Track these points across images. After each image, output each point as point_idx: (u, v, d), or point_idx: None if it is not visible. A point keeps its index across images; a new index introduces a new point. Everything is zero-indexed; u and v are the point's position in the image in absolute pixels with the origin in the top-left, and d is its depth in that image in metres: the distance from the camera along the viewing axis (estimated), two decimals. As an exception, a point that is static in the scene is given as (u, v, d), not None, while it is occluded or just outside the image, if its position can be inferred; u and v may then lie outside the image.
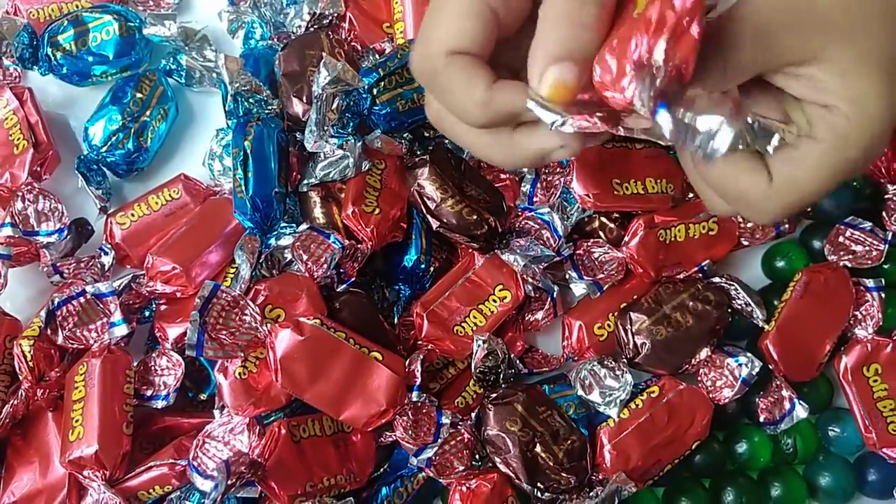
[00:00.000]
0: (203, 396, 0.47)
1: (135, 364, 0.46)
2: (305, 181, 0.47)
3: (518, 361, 0.47)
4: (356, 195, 0.46)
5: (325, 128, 0.45)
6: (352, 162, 0.46)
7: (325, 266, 0.44)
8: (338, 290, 0.45)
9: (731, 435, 0.49)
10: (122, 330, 0.45)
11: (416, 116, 0.48)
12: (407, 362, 0.44)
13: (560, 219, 0.48)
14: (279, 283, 0.44)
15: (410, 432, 0.43)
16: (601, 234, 0.50)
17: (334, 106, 0.45)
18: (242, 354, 0.42)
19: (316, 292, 0.44)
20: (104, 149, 0.51)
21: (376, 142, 0.47)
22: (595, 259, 0.49)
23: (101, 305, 0.47)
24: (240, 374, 0.42)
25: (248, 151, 0.45)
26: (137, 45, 0.53)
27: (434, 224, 0.46)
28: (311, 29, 0.51)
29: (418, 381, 0.44)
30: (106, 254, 0.49)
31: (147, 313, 0.49)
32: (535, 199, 0.49)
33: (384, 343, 0.45)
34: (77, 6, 0.54)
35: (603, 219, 0.50)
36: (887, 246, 0.49)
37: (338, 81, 0.44)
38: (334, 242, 0.45)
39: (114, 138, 0.51)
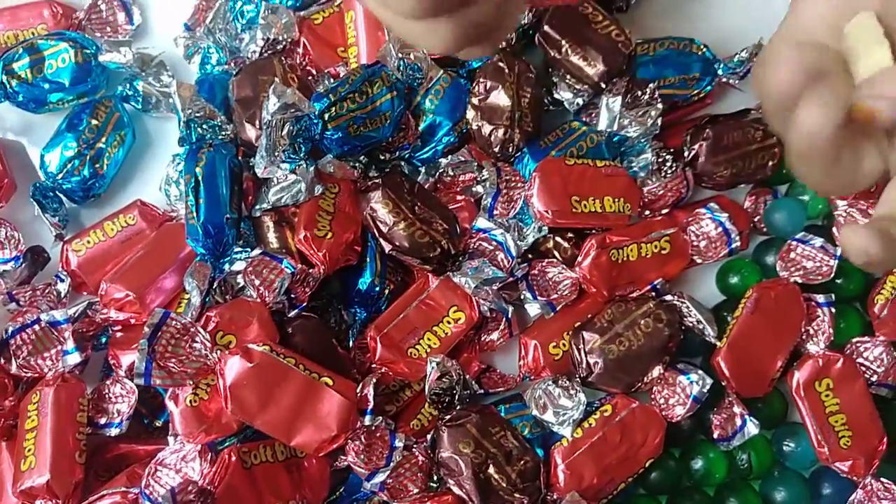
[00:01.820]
0: (158, 423, 0.47)
1: (89, 391, 0.46)
2: (258, 206, 0.47)
3: (474, 382, 0.48)
4: (308, 219, 0.46)
5: (276, 153, 0.45)
6: (304, 186, 0.46)
7: (275, 291, 0.44)
8: (289, 315, 0.45)
9: (686, 451, 0.49)
10: (74, 358, 0.45)
11: (369, 140, 0.49)
12: (359, 387, 0.44)
13: (514, 240, 0.49)
14: (230, 309, 0.44)
15: (363, 457, 0.43)
16: (556, 253, 0.51)
17: (284, 132, 0.45)
18: (191, 382, 0.42)
19: (267, 318, 0.44)
20: (60, 176, 0.51)
21: (328, 166, 0.48)
22: (549, 279, 0.49)
23: (56, 333, 0.47)
24: (191, 401, 0.42)
25: (200, 178, 0.45)
26: (94, 71, 0.53)
27: (386, 247, 0.47)
28: (266, 54, 0.51)
29: (371, 405, 0.44)
30: (62, 281, 0.49)
31: (104, 339, 0.49)
32: (495, 213, 0.50)
33: (337, 367, 0.45)
34: (33, 33, 0.54)
35: (557, 238, 0.51)
36: (837, 262, 0.49)
37: (287, 108, 0.44)
38: (286, 267, 0.45)
39: (69, 165, 0.51)
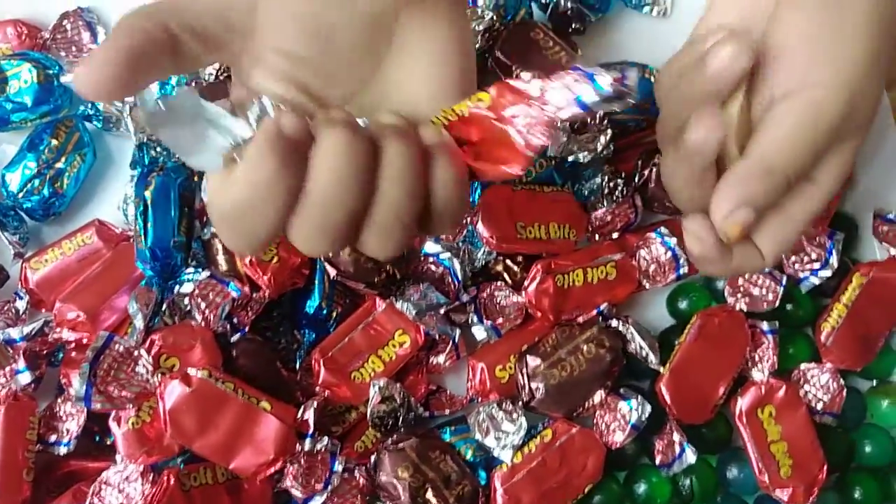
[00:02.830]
0: (109, 441, 0.48)
1: (42, 409, 0.47)
2: (207, 228, 0.48)
3: (419, 405, 0.48)
4: (255, 244, 0.47)
5: (223, 179, 0.46)
6: (252, 211, 0.47)
7: (218, 316, 0.45)
8: (231, 339, 0.46)
9: (630, 475, 0.50)
10: (25, 378, 0.46)
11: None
12: (300, 410, 0.45)
13: (462, 263, 0.49)
14: (174, 332, 0.45)
15: (301, 480, 0.44)
16: (505, 276, 0.51)
17: (231, 158, 0.46)
18: (131, 406, 0.43)
19: (210, 341, 0.45)
20: (20, 195, 0.52)
21: (277, 191, 0.48)
22: (497, 302, 0.50)
23: (11, 351, 0.48)
24: (133, 423, 0.44)
25: (148, 202, 0.46)
26: (56, 91, 0.54)
27: (332, 272, 0.47)
28: (222, 77, 0.52)
29: (311, 429, 0.45)
30: (20, 298, 0.50)
31: (60, 355, 0.50)
32: (441, 237, 0.50)
33: (280, 389, 0.46)
34: (-2, 53, 0.55)
35: (507, 262, 0.51)
36: (783, 289, 0.49)
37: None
38: (232, 290, 0.46)
39: (29, 185, 0.52)
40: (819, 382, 0.50)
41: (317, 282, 0.49)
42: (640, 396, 0.47)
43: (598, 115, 0.50)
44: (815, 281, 0.50)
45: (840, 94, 0.33)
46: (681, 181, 0.36)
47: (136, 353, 0.44)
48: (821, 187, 0.36)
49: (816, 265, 0.50)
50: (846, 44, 0.34)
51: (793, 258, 0.51)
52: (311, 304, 0.48)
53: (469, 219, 0.49)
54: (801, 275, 0.50)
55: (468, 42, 0.35)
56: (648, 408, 0.47)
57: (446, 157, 0.31)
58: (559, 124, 0.31)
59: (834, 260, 0.50)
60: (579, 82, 0.28)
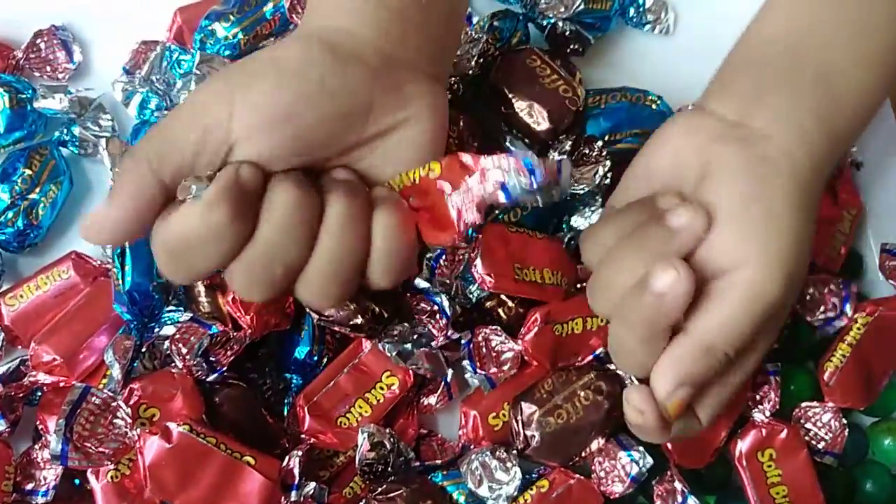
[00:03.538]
0: (89, 486, 0.47)
1: (20, 453, 0.46)
2: (188, 270, 0.46)
3: (410, 449, 0.47)
4: (238, 284, 0.45)
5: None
6: (235, 250, 0.45)
7: (193, 353, 0.43)
8: (208, 379, 0.44)
9: (628, 518, 0.49)
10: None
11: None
12: (286, 460, 0.43)
13: (452, 300, 0.47)
14: (153, 381, 0.43)
15: (287, 533, 0.42)
16: (500, 311, 0.49)
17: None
18: (109, 463, 0.41)
19: (192, 389, 0.43)
20: (-7, 227, 0.50)
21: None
22: (492, 348, 0.48)
23: (-14, 395, 0.46)
24: (112, 477, 0.42)
25: (126, 244, 0.44)
26: (29, 116, 0.51)
27: (314, 317, 0.45)
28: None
29: (297, 480, 0.43)
30: (-4, 335, 0.49)
31: (39, 393, 0.48)
32: (436, 273, 0.48)
33: (266, 437, 0.44)
34: (-33, 78, 0.53)
35: (502, 296, 0.49)
36: (786, 331, 0.48)
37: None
38: (213, 332, 0.44)
39: (3, 217, 0.50)
40: (821, 422, 0.49)
41: (306, 325, 0.47)
42: (641, 447, 0.46)
43: (596, 146, 0.48)
44: (830, 331, 0.49)
45: (778, 278, 0.34)
46: (633, 344, 0.35)
47: (113, 404, 0.42)
48: (754, 354, 0.37)
49: (832, 314, 0.49)
50: (776, 221, 0.35)
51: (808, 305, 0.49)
52: (301, 350, 0.47)
53: (467, 256, 0.47)
54: (817, 324, 0.49)
55: (444, 109, 0.37)
56: (650, 460, 0.45)
57: (392, 212, 0.33)
58: (496, 202, 0.33)
59: (849, 309, 0.48)
60: (515, 170, 0.31)
